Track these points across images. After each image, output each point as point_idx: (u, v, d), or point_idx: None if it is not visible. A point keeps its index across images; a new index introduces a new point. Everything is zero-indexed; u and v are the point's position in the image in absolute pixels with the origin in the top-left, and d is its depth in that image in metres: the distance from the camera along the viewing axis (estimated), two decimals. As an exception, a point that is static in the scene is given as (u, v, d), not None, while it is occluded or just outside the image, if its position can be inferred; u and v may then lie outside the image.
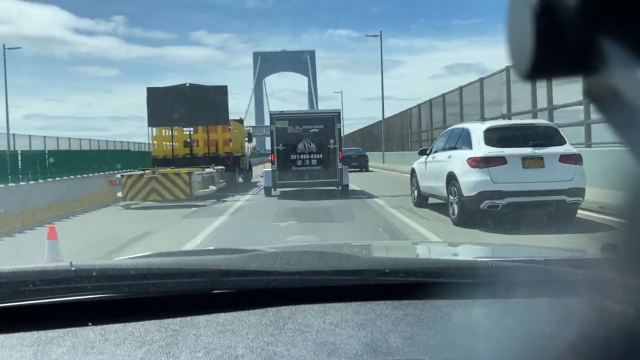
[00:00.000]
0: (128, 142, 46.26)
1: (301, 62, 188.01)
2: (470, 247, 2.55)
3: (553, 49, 0.37)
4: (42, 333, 0.92)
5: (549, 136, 8.49)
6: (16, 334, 0.92)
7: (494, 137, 8.42)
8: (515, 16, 0.39)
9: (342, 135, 15.10)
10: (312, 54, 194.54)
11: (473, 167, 8.20)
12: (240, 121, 23.43)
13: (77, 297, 1.01)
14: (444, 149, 9.87)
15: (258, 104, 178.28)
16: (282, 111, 15.12)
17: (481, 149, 8.31)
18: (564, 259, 1.31)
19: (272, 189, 14.33)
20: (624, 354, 0.45)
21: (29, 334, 0.92)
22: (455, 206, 8.63)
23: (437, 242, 5.12)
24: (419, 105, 28.46)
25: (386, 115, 37.23)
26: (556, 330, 0.66)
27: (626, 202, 0.37)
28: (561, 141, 8.40)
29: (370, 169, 29.90)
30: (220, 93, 18.02)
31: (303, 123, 14.42)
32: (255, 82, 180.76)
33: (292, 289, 1.08)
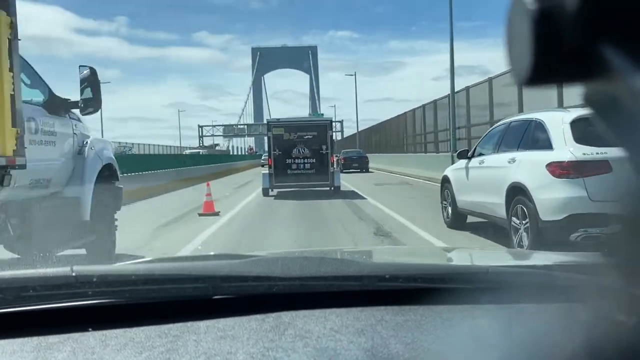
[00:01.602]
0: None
1: (302, 59, 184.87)
2: (471, 253, 2.56)
3: (552, 56, 0.37)
4: (42, 338, 0.92)
5: None
6: (17, 339, 0.92)
7: (586, 131, 5.40)
8: (514, 22, 0.39)
9: (334, 140, 16.27)
10: (314, 49, 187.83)
11: (558, 176, 5.43)
12: None
13: (77, 303, 1.01)
14: (496, 150, 6.99)
15: (257, 102, 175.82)
16: (278, 119, 16.31)
17: (569, 148, 5.46)
18: (564, 265, 1.31)
19: (270, 190, 15.21)
20: None
21: (29, 339, 0.92)
22: (524, 234, 5.76)
23: (437, 248, 5.08)
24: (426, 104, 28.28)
25: (385, 117, 37.04)
26: (558, 339, 0.66)
27: (626, 208, 0.38)
28: None
29: (370, 170, 30.13)
30: None
31: (298, 130, 15.49)
32: (253, 79, 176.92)
33: (293, 294, 1.08)
